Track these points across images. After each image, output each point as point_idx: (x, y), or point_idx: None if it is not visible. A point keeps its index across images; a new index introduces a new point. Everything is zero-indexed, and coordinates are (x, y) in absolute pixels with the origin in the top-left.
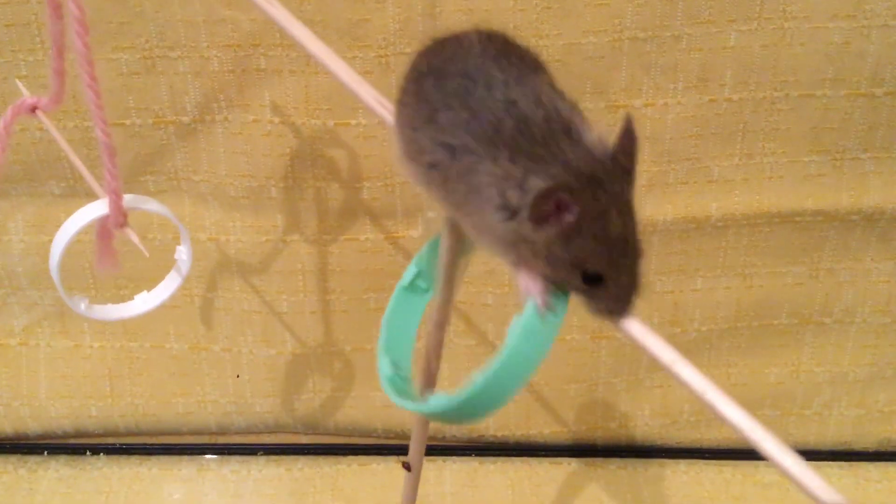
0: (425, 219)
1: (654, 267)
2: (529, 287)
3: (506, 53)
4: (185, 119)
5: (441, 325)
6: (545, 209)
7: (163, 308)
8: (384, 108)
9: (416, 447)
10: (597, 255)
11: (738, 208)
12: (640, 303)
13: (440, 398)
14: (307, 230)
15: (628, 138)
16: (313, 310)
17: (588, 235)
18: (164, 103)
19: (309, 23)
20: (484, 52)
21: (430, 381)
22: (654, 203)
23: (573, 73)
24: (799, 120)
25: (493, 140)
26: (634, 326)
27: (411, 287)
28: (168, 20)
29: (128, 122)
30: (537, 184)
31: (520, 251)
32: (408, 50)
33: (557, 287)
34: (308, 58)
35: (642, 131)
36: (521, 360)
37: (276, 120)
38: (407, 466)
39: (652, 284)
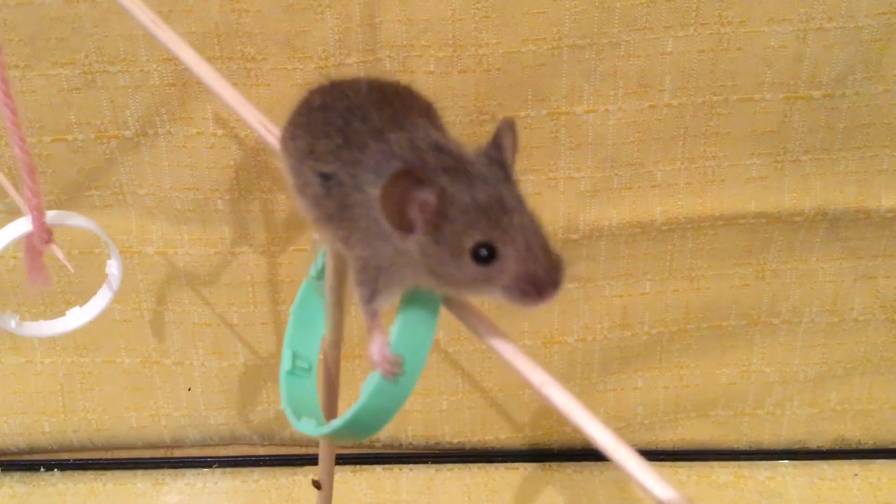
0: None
1: (601, 272)
2: (374, 355)
3: (388, 100)
4: (128, 133)
5: (336, 344)
6: (396, 197)
7: (113, 323)
8: (269, 132)
9: (324, 465)
10: (473, 222)
11: (682, 212)
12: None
13: (308, 424)
14: (255, 241)
15: (501, 133)
16: (264, 321)
17: (457, 211)
18: (105, 118)
19: (248, 35)
20: (369, 95)
21: (331, 400)
22: (598, 208)
23: (514, 81)
24: (739, 123)
25: (359, 161)
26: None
27: (319, 277)
28: (107, 35)
29: (70, 137)
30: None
31: (404, 275)
32: (348, 61)
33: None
34: (248, 70)
35: (585, 138)
36: (375, 412)
37: (220, 132)
38: (317, 484)
39: (600, 289)
